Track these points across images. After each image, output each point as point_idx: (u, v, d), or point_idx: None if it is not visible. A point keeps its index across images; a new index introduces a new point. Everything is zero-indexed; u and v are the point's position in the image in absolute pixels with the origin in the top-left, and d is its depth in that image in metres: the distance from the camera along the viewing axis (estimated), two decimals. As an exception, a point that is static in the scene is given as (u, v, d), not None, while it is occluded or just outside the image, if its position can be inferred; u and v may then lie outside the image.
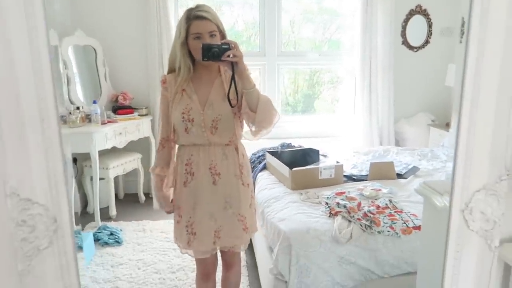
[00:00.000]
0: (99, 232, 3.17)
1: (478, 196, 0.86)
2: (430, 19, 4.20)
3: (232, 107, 1.59)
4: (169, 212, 1.81)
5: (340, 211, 2.18)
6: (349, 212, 2.16)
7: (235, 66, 1.50)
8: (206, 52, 1.49)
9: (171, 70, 1.70)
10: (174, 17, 3.84)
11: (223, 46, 1.48)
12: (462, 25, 3.71)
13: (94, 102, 3.48)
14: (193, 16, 1.58)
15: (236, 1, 4.21)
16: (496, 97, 0.82)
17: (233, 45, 1.49)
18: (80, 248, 2.70)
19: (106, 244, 3.09)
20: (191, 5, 1.65)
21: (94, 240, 3.08)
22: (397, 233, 2.07)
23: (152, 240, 3.16)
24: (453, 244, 0.90)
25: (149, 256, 2.94)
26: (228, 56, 1.48)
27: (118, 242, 3.10)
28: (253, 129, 1.66)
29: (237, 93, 1.58)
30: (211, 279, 1.90)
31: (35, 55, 0.66)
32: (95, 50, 3.79)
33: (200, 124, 1.63)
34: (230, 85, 1.56)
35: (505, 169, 0.85)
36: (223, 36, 1.63)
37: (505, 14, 0.82)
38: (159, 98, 1.76)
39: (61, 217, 0.77)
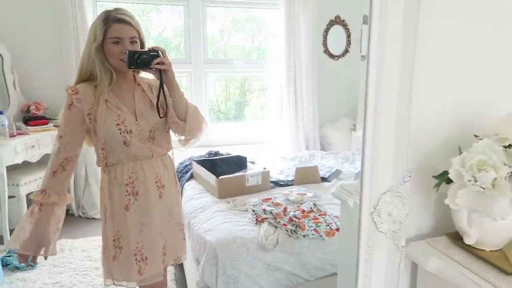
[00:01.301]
0: (8, 256, 2.86)
1: (385, 198, 0.89)
2: (349, 29, 4.43)
3: (160, 117, 1.52)
4: (34, 261, 1.50)
5: (266, 218, 2.18)
6: (275, 218, 2.17)
7: (164, 74, 1.43)
8: (133, 59, 1.39)
9: (82, 80, 1.52)
10: (93, 18, 3.63)
11: (151, 53, 1.40)
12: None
13: (1, 113, 3.16)
14: (113, 19, 1.45)
15: (163, 8, 4.10)
16: (397, 106, 0.86)
17: (162, 52, 1.42)
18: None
19: (16, 268, 2.79)
20: (110, 7, 1.53)
21: (2, 265, 2.78)
22: (321, 236, 2.12)
23: (72, 260, 2.93)
24: (364, 246, 0.92)
25: (67, 277, 2.71)
26: (158, 63, 1.41)
27: (31, 265, 2.82)
28: (183, 137, 1.61)
29: (166, 102, 1.50)
30: None
31: None
32: (1, 56, 3.45)
33: (138, 136, 1.51)
34: (159, 94, 1.47)
35: (408, 171, 0.89)
36: (142, 44, 1.52)
37: (400, 25, 0.86)
38: (62, 112, 1.50)
39: None
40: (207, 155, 3.25)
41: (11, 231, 3.17)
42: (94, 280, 2.67)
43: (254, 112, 4.81)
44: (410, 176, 0.89)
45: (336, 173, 3.03)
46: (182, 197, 2.55)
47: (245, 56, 4.46)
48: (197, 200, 2.58)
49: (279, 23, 4.13)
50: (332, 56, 4.45)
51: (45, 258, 1.50)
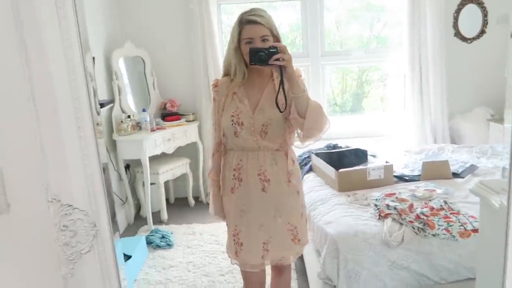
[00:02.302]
0: (151, 235, 3.28)
1: (542, 195, 0.77)
2: (485, 8, 3.92)
3: (280, 111, 1.54)
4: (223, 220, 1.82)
5: (390, 213, 2.08)
6: (400, 214, 2.05)
7: (284, 70, 1.46)
8: (253, 56, 1.47)
9: (226, 74, 1.70)
10: (218, 25, 3.90)
11: (271, 50, 1.45)
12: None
13: (144, 110, 3.62)
14: (245, 21, 1.56)
15: (279, 4, 4.20)
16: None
17: (281, 49, 1.45)
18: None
19: (158, 247, 3.18)
20: (239, 11, 1.64)
21: (147, 243, 3.19)
22: (453, 236, 1.94)
23: (202, 243, 3.22)
24: (514, 250, 0.81)
25: (199, 258, 2.99)
26: (277, 59, 1.44)
27: (169, 245, 3.19)
28: (301, 135, 1.61)
29: (285, 98, 1.52)
30: None
31: (70, 69, 0.68)
32: (143, 60, 3.94)
33: (249, 128, 1.61)
34: (279, 89, 1.51)
35: None
36: (277, 40, 1.58)
37: None
38: (212, 103, 1.76)
39: (100, 223, 0.79)
40: (326, 148, 3.23)
41: (153, 214, 3.63)
42: (221, 263, 2.89)
43: (373, 103, 4.60)
44: None
45: (471, 169, 2.73)
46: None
47: (363, 46, 4.29)
48: (316, 192, 2.59)
49: (401, 8, 3.86)
50: (464, 39, 3.99)
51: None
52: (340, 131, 3.97)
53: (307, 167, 3.04)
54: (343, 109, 4.57)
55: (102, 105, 3.09)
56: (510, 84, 0.80)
